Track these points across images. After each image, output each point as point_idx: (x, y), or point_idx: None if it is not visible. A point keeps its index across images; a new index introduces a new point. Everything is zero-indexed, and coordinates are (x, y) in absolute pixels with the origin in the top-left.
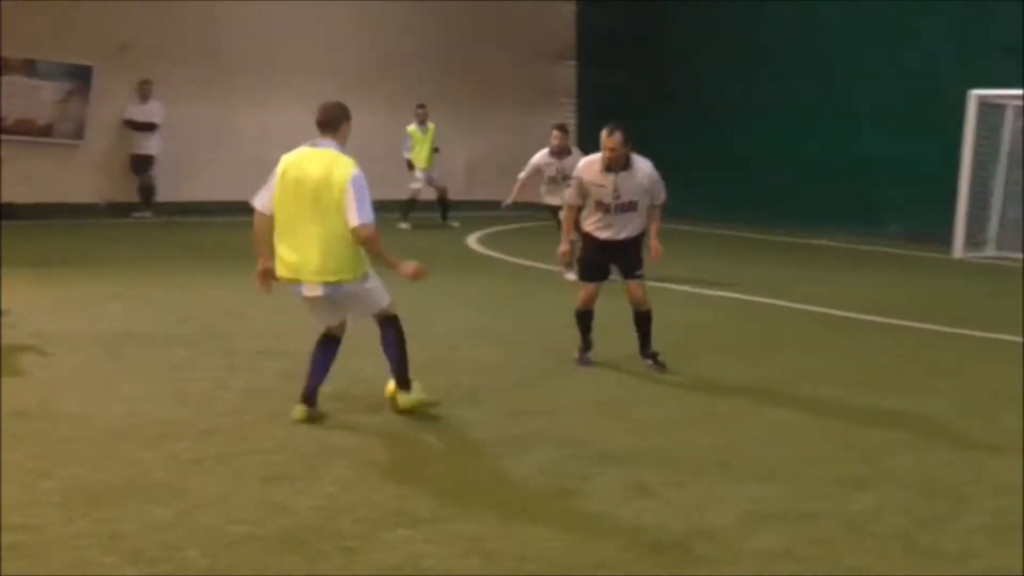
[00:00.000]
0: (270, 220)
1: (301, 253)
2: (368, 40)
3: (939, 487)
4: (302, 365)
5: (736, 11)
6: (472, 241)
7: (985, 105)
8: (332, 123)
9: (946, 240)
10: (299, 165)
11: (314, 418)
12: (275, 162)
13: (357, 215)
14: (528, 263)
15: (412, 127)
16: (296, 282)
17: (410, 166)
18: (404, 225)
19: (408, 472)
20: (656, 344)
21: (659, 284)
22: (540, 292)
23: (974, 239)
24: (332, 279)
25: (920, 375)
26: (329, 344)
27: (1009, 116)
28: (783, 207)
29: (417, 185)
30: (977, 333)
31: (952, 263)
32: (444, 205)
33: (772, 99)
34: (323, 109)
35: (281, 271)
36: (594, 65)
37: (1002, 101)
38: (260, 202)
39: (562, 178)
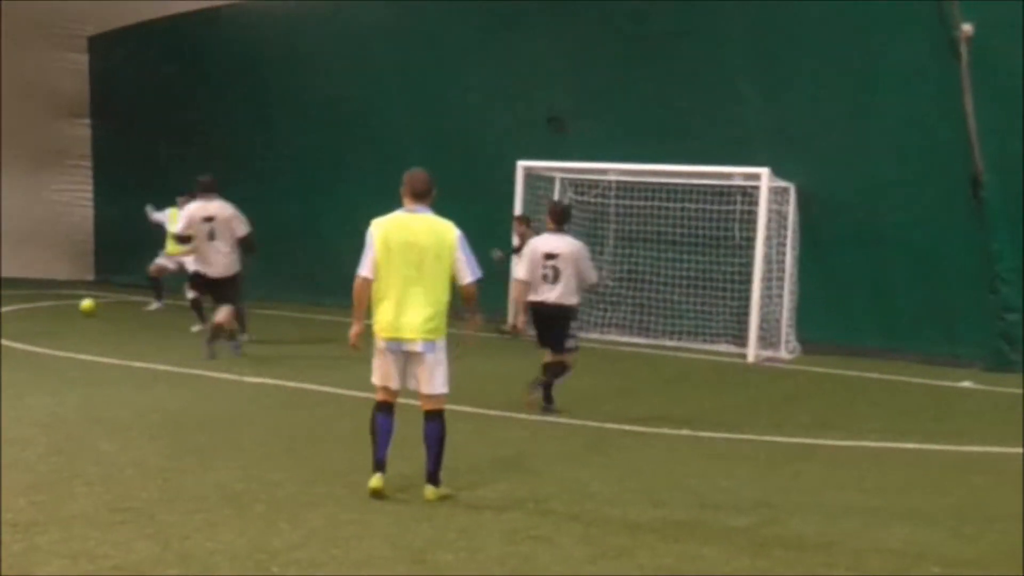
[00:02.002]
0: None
1: (407, 312)
2: None
3: None
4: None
5: (280, 68)
6: None
7: (533, 177)
8: (428, 192)
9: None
10: (403, 229)
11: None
12: None
13: (470, 272)
14: (41, 349)
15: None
16: (395, 339)
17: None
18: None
19: None
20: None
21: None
22: (56, 382)
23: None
24: (431, 337)
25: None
26: (389, 411)
27: (557, 187)
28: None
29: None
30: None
31: None
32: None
33: (321, 168)
34: (421, 180)
35: (380, 330)
36: (113, 124)
37: (549, 173)
38: (364, 270)
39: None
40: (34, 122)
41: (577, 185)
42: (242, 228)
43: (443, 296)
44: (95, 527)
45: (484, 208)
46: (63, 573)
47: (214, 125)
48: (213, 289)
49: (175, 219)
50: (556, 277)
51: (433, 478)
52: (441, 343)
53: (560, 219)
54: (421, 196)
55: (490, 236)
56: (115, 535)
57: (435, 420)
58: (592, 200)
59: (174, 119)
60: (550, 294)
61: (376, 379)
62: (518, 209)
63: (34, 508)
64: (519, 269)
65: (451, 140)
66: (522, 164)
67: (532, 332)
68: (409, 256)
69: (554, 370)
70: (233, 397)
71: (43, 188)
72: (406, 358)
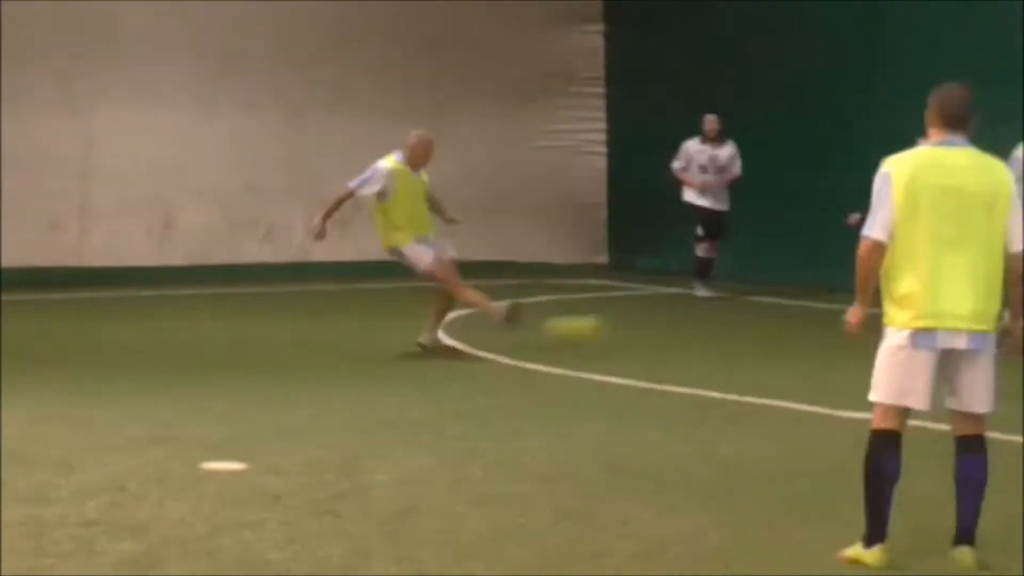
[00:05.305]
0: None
1: (947, 290)
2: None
3: None
4: (153, 545)
5: None
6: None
7: None
8: (968, 117)
9: None
10: (938, 169)
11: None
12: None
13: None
14: (539, 367)
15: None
16: (930, 330)
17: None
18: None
19: None
20: None
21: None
22: (560, 413)
23: None
24: (985, 327)
25: None
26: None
27: None
28: None
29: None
30: None
31: None
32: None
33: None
34: (954, 100)
35: (905, 317)
36: (632, 33)
37: None
38: (874, 230)
39: (715, 170)
40: (518, 35)
41: None
42: None
43: (998, 266)
44: None
45: None
46: None
47: (770, 42)
48: None
49: None
50: None
51: (969, 535)
52: (993, 339)
53: None
54: (959, 122)
55: None
56: None
57: (978, 453)
58: None
59: (716, 28)
60: None
61: (882, 394)
62: None
63: None
64: None
65: None
66: None
67: None
68: (947, 208)
69: None
70: (820, 442)
71: (531, 131)
72: (941, 360)
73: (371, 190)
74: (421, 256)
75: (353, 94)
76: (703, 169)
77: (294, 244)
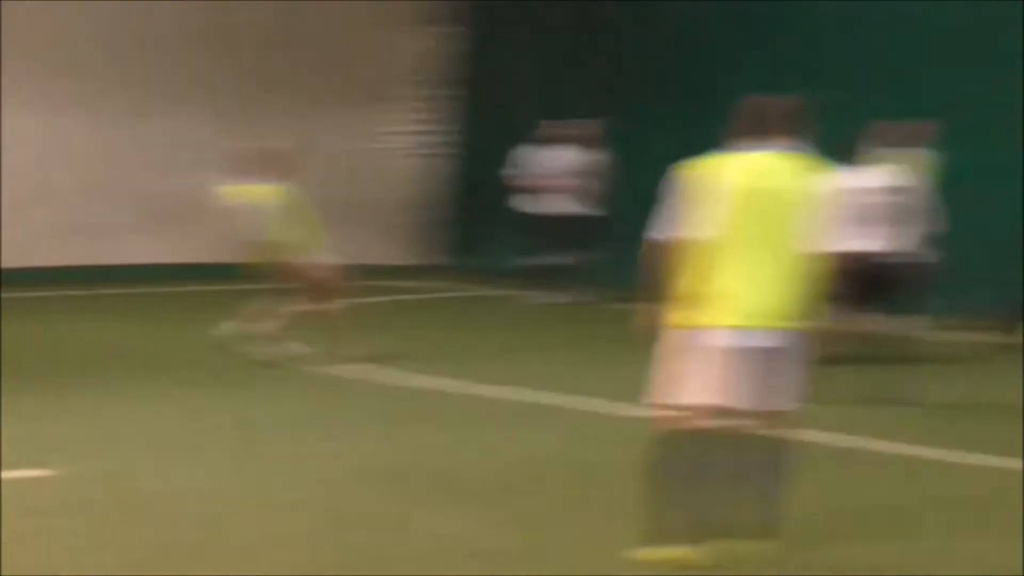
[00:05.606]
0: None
1: (758, 291)
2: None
3: None
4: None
5: None
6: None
7: None
8: (779, 125)
9: None
10: (751, 171)
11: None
12: None
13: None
14: (345, 373)
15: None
16: (737, 328)
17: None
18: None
19: None
20: None
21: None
22: (353, 418)
23: None
24: (791, 326)
25: None
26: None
27: None
28: None
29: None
30: None
31: None
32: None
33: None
34: (762, 109)
35: (712, 316)
36: (477, 35)
37: None
38: (672, 229)
39: (567, 175)
40: (354, 35)
41: None
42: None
43: (805, 266)
44: None
45: None
46: None
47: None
48: None
49: None
50: None
51: (769, 527)
52: (802, 338)
53: None
54: (769, 129)
55: None
56: None
57: (777, 450)
58: None
59: (581, 27)
60: None
61: (685, 394)
62: None
63: None
64: None
65: None
66: None
67: None
68: (755, 209)
69: None
70: (616, 440)
71: (371, 133)
72: (749, 358)
73: (269, 229)
74: (318, 262)
75: (200, 95)
76: (555, 174)
77: (116, 246)
